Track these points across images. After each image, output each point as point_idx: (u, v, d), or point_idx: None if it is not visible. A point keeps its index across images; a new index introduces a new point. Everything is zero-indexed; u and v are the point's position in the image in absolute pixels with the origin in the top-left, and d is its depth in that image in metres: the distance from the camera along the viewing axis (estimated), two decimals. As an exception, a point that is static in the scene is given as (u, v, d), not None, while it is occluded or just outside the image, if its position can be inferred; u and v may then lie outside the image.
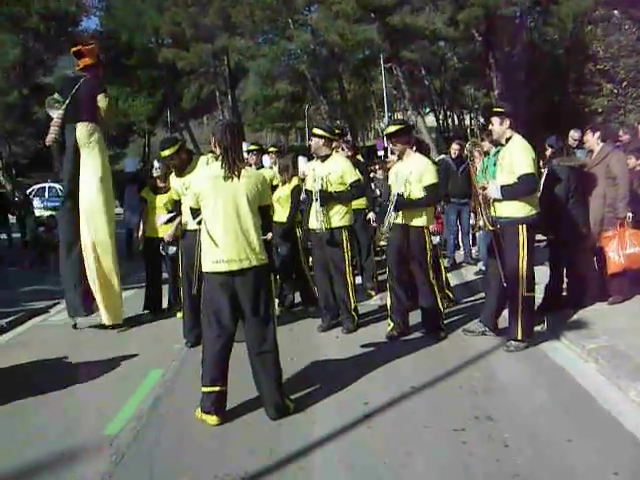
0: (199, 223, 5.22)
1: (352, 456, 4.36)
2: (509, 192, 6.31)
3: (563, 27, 33.31)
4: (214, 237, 4.93)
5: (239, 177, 4.94)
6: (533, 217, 6.40)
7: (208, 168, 5.20)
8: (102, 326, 8.07)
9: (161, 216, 7.56)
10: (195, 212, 5.25)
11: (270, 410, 5.01)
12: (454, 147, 11.44)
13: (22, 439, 4.94)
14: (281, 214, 8.18)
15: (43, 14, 43.33)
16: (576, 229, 7.39)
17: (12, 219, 18.25)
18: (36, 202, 23.74)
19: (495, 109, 6.59)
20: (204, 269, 5.06)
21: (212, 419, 4.95)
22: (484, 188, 6.54)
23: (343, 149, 9.25)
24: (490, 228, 6.60)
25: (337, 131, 8.78)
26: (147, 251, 8.88)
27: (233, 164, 4.95)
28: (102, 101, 7.87)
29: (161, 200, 8.45)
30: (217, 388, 4.97)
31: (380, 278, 9.57)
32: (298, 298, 8.76)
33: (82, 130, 7.79)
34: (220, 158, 5.03)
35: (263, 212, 5.17)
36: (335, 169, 7.36)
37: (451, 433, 4.59)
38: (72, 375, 6.39)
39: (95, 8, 54.04)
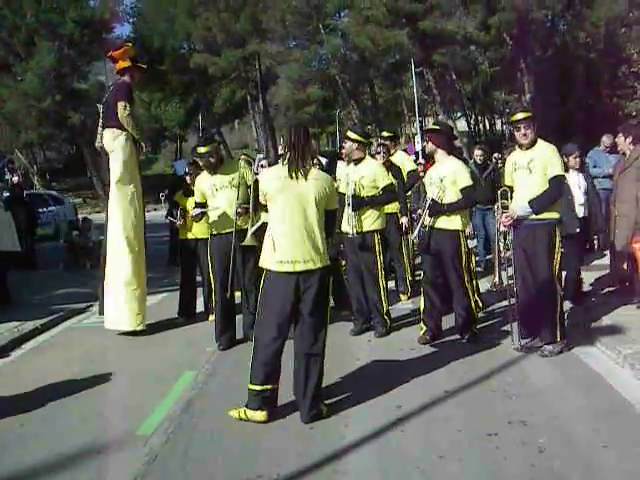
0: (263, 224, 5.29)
1: (385, 460, 4.35)
2: (541, 204, 6.19)
3: (596, 30, 33.05)
4: (280, 237, 4.93)
5: (307, 179, 4.96)
6: (561, 218, 6.39)
7: (278, 169, 5.18)
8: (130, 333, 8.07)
9: (195, 210, 7.51)
10: (263, 208, 5.27)
11: (304, 413, 5.00)
12: (477, 152, 11.01)
13: (56, 437, 4.99)
14: None
15: (77, 21, 43.86)
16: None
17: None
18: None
19: (527, 115, 6.31)
20: (267, 267, 5.03)
21: (262, 415, 4.95)
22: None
23: (381, 155, 9.03)
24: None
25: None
26: (182, 254, 8.93)
27: (302, 165, 4.96)
28: (120, 110, 7.78)
29: (192, 203, 8.45)
30: (269, 386, 4.98)
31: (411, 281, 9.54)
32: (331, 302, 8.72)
33: (107, 136, 7.94)
34: (289, 159, 5.01)
35: (329, 217, 5.15)
36: (368, 173, 7.34)
37: (485, 438, 4.56)
38: (105, 376, 6.45)
39: (128, 15, 54.82)
